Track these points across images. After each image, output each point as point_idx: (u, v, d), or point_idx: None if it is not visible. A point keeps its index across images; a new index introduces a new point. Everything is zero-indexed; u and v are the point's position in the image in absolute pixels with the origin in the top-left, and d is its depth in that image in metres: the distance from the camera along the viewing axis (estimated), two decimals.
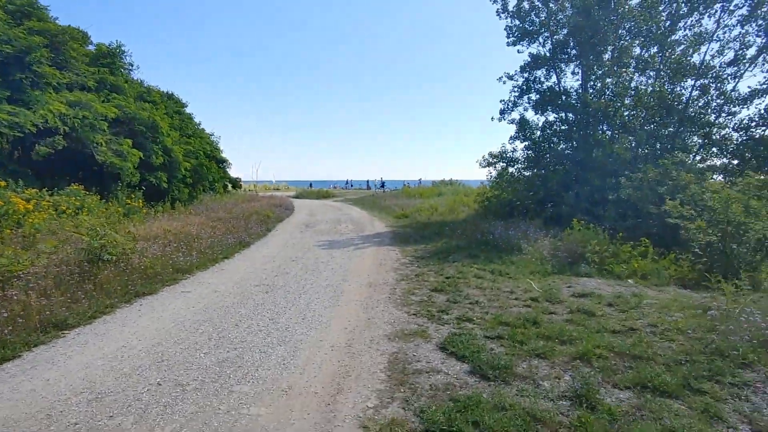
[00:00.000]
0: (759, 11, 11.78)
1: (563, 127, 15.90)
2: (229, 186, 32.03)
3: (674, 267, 7.74)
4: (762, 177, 8.32)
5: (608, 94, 12.35)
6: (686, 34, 12.20)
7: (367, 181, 55.38)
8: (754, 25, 11.69)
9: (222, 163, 28.94)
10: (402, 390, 3.78)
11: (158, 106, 19.26)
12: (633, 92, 12.25)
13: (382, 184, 49.08)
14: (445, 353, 4.54)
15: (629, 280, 7.56)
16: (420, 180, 50.21)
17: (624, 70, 12.22)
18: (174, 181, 17.42)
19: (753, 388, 3.68)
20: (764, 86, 11.93)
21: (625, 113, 12.29)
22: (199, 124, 28.99)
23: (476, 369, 4.10)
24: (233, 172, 32.32)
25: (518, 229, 10.94)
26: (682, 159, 9.54)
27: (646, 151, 11.97)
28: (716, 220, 8.04)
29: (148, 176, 15.09)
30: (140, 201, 13.84)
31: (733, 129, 12.31)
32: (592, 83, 13.75)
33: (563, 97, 14.69)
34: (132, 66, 18.04)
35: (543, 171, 16.25)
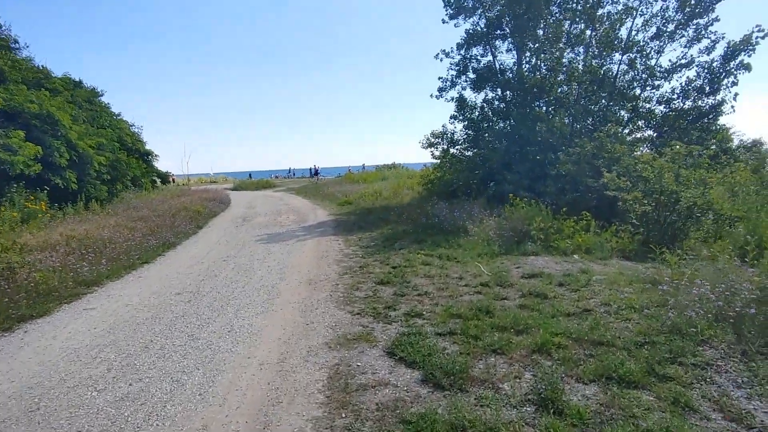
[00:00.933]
0: None
1: (501, 105, 15.84)
2: (158, 181, 29.50)
3: (615, 239, 7.73)
4: (687, 147, 8.49)
5: (543, 70, 12.27)
6: (611, 10, 12.35)
7: (310, 169, 53.64)
8: (673, 0, 12.02)
9: (147, 156, 26.43)
10: (343, 415, 3.15)
11: (61, 95, 16.89)
12: (566, 68, 12.26)
13: (316, 171, 46.09)
14: (394, 359, 3.97)
15: (575, 256, 7.43)
16: (364, 165, 49.51)
17: (557, 45, 12.17)
18: (87, 179, 15.38)
19: (715, 367, 3.45)
20: (683, 60, 12.42)
21: (559, 89, 12.30)
22: (119, 114, 26.28)
23: (429, 377, 3.56)
24: (163, 166, 29.83)
25: (462, 210, 10.63)
26: (616, 131, 9.65)
27: (581, 126, 12.09)
28: (650, 190, 8.13)
29: (53, 177, 13.09)
30: (42, 203, 11.98)
31: (657, 102, 12.76)
32: (527, 59, 13.66)
33: (500, 75, 14.54)
34: (18, 44, 15.52)
35: (483, 150, 16.17)
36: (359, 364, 3.92)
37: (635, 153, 9.62)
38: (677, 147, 8.68)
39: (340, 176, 38.40)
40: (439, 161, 18.07)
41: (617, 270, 6.50)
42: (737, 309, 3.86)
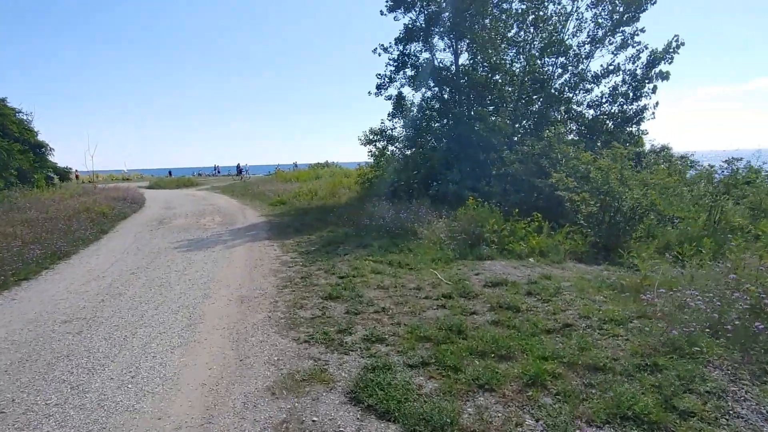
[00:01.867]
0: None
1: (440, 104, 15.51)
2: (55, 178, 25.46)
3: (568, 242, 7.50)
4: (626, 148, 8.57)
5: (484, 69, 12.02)
6: (553, 11, 12.44)
7: (237, 166, 50.13)
8: (603, 7, 12.38)
9: (40, 149, 22.60)
10: None
11: None
12: (507, 68, 12.14)
13: (240, 170, 42.35)
14: (360, 408, 3.06)
15: (530, 259, 7.05)
16: (296, 164, 47.48)
17: (498, 44, 11.98)
18: None
19: (731, 394, 3.01)
20: (611, 67, 12.88)
21: (499, 89, 12.15)
22: (4, 100, 22.15)
23: None
24: (68, 162, 25.67)
25: (408, 211, 9.95)
26: (559, 132, 9.60)
27: (519, 126, 12.03)
28: (596, 190, 8.04)
29: None
30: None
31: (588, 106, 13.13)
32: (469, 57, 13.39)
33: (441, 72, 14.13)
34: None
35: (422, 149, 15.76)
36: (315, 418, 2.96)
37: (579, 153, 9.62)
38: (618, 148, 8.73)
39: (270, 174, 36.30)
40: (376, 160, 17.42)
41: (577, 275, 6.17)
42: (736, 322, 3.50)
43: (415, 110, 16.39)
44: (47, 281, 6.79)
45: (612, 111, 12.72)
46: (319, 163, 39.33)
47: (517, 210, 8.04)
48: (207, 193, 24.67)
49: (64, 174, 26.23)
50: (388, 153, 17.26)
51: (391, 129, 16.64)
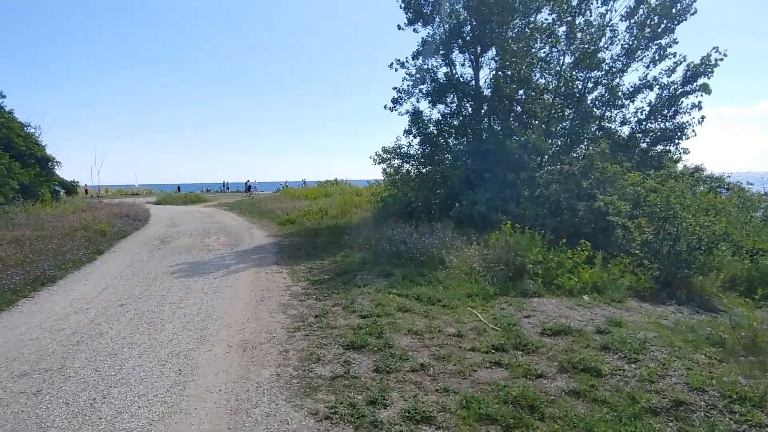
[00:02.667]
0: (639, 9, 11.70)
1: (457, 121, 14.66)
2: (62, 192, 24.87)
3: (629, 276, 6.38)
4: (686, 167, 7.52)
5: (512, 82, 11.11)
6: (584, 22, 11.57)
7: (246, 183, 49.56)
8: (637, 19, 11.52)
9: (47, 162, 22.00)
10: None
11: None
12: (535, 81, 11.23)
13: (248, 188, 40.83)
14: None
15: (584, 297, 5.94)
16: (304, 180, 46.88)
17: (525, 57, 11.11)
18: None
19: None
20: (645, 81, 11.94)
21: (531, 104, 11.21)
22: (10, 111, 21.73)
23: None
24: (78, 176, 24.99)
25: (433, 235, 8.89)
26: (604, 150, 8.59)
27: (552, 142, 11.04)
28: (654, 215, 6.97)
29: None
30: None
31: (621, 123, 12.14)
32: (492, 70, 12.53)
33: (463, 86, 13.29)
34: None
35: (439, 167, 14.84)
36: None
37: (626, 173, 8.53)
38: (669, 167, 7.68)
39: (279, 191, 35.57)
40: (390, 178, 16.51)
41: (651, 320, 5.05)
42: None
43: (432, 126, 15.55)
44: (21, 313, 5.80)
45: (648, 128, 11.71)
46: (328, 181, 38.62)
47: (564, 239, 6.92)
48: (214, 210, 23.85)
49: (71, 188, 25.64)
50: (404, 171, 16.37)
51: (407, 146, 15.77)
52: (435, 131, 15.34)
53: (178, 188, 49.06)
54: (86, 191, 46.00)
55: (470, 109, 14.28)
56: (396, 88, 15.58)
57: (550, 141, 10.56)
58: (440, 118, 15.20)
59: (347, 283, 7.03)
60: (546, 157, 10.40)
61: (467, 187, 12.27)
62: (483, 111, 13.60)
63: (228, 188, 54.02)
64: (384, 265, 8.05)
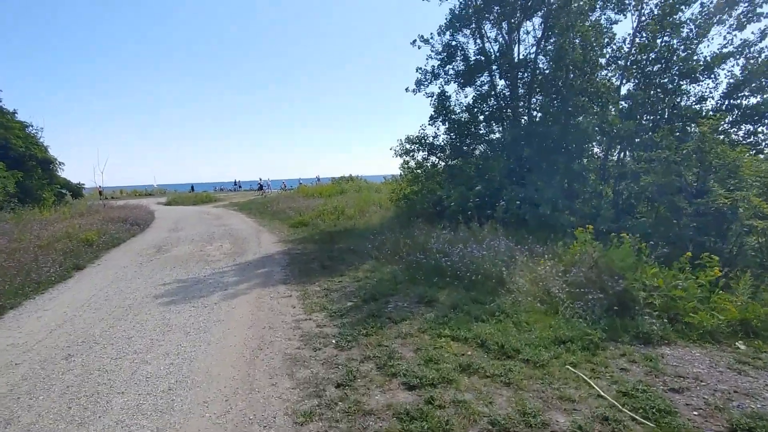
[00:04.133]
0: None
1: (490, 106, 12.64)
2: (68, 195, 23.55)
3: None
4: None
5: (577, 48, 9.00)
6: None
7: (258, 182, 47.99)
8: None
9: (48, 164, 20.64)
10: None
11: None
12: (600, 50, 9.10)
13: (260, 186, 38.41)
14: None
15: (739, 345, 3.94)
16: (318, 177, 45.16)
17: (582, 23, 8.99)
18: None
19: None
20: (727, 49, 9.70)
21: (599, 75, 9.10)
22: (13, 112, 20.46)
23: None
24: (80, 177, 23.63)
25: (482, 243, 6.91)
26: (715, 126, 6.48)
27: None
28: None
29: None
30: None
31: (698, 100, 9.93)
32: (538, 40, 10.43)
33: (501, 61, 11.25)
34: None
35: (470, 158, 12.87)
36: None
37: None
38: None
39: (292, 189, 33.94)
40: (412, 173, 14.58)
41: None
42: None
43: (462, 111, 13.56)
44: None
45: (733, 104, 9.49)
46: (343, 177, 36.84)
47: (689, 253, 4.88)
48: (223, 211, 22.26)
49: (76, 191, 24.37)
50: (428, 164, 14.41)
51: (433, 137, 13.80)
52: (466, 116, 13.38)
53: (192, 188, 47.85)
54: (100, 193, 45.28)
55: (507, 90, 12.24)
56: (420, 68, 13.62)
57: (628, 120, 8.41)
58: (471, 103, 13.21)
59: (378, 315, 5.15)
60: (623, 142, 8.29)
61: (510, 181, 10.28)
62: (522, 92, 11.54)
63: (240, 187, 52.69)
64: (423, 285, 6.16)
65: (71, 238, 10.20)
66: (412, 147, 14.05)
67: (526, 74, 11.55)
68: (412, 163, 14.38)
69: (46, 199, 20.37)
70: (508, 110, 12.65)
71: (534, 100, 10.89)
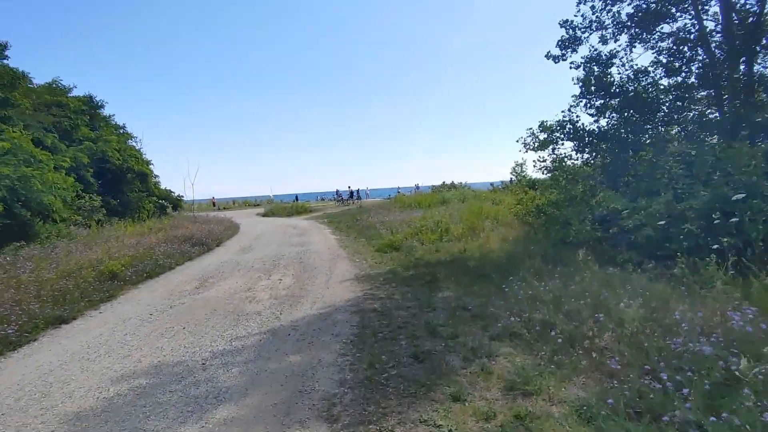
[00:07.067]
0: None
1: (706, 58, 7.53)
2: (169, 207, 23.38)
3: None
4: None
5: None
6: None
7: (357, 191, 45.92)
8: None
9: (144, 176, 20.27)
10: None
11: None
12: None
13: (351, 194, 35.04)
14: None
15: None
16: (417, 185, 41.58)
17: None
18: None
19: None
20: None
21: None
22: (111, 117, 20.69)
23: None
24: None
25: None
26: None
27: None
28: None
29: None
30: None
31: None
32: None
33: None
34: None
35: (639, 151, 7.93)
36: None
37: None
38: None
39: (389, 198, 30.80)
40: (552, 176, 9.90)
41: None
42: None
43: (632, 77, 8.58)
44: None
45: None
46: (444, 184, 32.71)
47: None
48: (311, 224, 19.72)
49: (176, 203, 24.20)
50: (576, 161, 9.60)
51: (593, 122, 9.03)
52: (643, 85, 8.41)
53: (296, 197, 47.97)
54: (213, 204, 47.86)
55: (722, 37, 7.05)
56: (567, 22, 8.99)
57: None
58: (658, 61, 8.23)
59: None
60: None
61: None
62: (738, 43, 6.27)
63: (341, 196, 51.65)
64: None
65: (93, 268, 7.77)
66: (554, 136, 9.40)
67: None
68: (549, 161, 9.75)
69: (144, 211, 20.02)
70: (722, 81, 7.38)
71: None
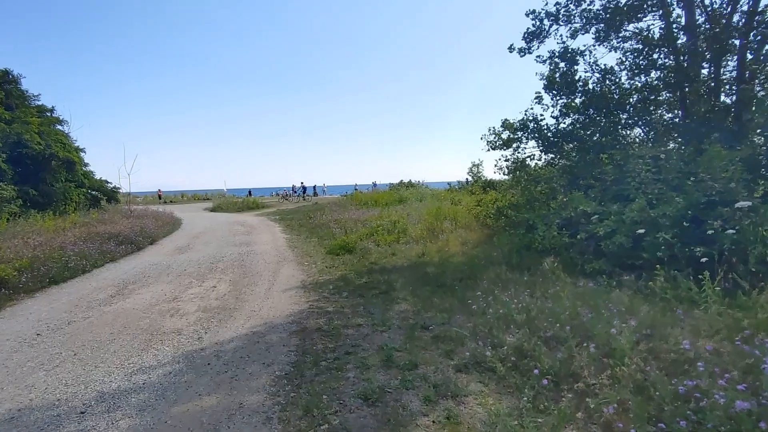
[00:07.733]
0: None
1: (671, 61, 7.27)
2: (103, 200, 21.04)
3: None
4: None
5: None
6: None
7: (314, 186, 44.49)
8: None
9: (71, 165, 17.95)
10: None
11: None
12: None
13: (304, 189, 36.77)
14: None
15: None
16: (374, 183, 40.88)
17: None
18: None
19: None
20: None
21: None
22: (35, 96, 18.25)
23: None
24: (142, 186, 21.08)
25: None
26: None
27: None
28: None
29: None
30: None
31: None
32: None
33: None
34: None
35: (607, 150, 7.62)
36: None
37: None
38: None
39: (345, 195, 29.82)
40: (514, 176, 9.49)
41: None
42: None
43: (599, 78, 8.24)
44: None
45: None
46: (402, 182, 32.14)
47: None
48: (261, 221, 18.37)
49: (111, 194, 21.77)
50: (540, 161, 9.20)
51: (556, 122, 8.61)
52: (608, 84, 8.10)
53: (249, 192, 45.63)
54: (159, 197, 44.50)
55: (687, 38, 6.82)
56: (533, 12, 8.50)
57: None
58: (622, 61, 7.93)
59: None
60: None
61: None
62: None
63: (295, 192, 49.98)
64: None
65: None
66: (516, 135, 8.93)
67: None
68: (511, 161, 9.29)
69: (71, 204, 17.74)
70: (691, 72, 7.13)
71: None
